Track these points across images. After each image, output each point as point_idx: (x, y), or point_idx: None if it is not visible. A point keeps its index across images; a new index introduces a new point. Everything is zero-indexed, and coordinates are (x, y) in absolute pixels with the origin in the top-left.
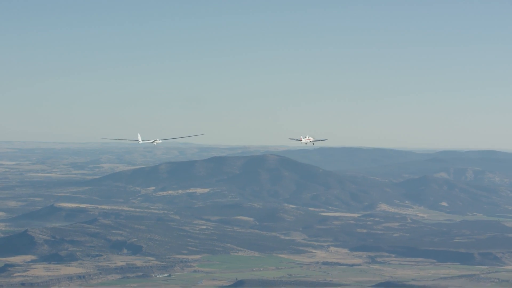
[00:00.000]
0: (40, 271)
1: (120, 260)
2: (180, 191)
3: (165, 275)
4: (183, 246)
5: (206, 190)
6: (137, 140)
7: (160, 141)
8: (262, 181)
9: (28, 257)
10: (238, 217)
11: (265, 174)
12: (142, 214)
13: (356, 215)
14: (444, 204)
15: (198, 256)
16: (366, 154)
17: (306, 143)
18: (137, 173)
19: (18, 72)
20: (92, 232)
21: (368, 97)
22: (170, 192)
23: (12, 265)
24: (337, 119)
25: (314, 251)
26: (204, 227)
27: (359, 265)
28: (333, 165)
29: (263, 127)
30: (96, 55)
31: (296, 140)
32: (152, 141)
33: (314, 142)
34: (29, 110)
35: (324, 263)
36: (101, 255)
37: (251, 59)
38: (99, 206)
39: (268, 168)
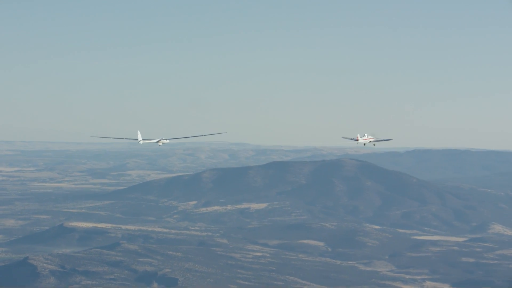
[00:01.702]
0: None
1: None
2: (229, 207)
3: None
4: (231, 279)
5: (263, 205)
6: (136, 140)
7: (167, 140)
8: (336, 193)
9: None
10: (305, 241)
11: (341, 185)
12: (178, 236)
13: (460, 239)
14: None
15: None
16: (476, 158)
17: (364, 144)
18: (174, 183)
19: (20, 57)
20: (113, 261)
21: (470, 79)
22: (216, 208)
23: None
24: (429, 109)
25: (404, 286)
26: (259, 254)
27: None
28: (430, 173)
29: (339, 123)
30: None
31: (351, 139)
32: (156, 140)
33: (375, 143)
34: (35, 103)
35: None
36: None
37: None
38: (123, 226)
39: (345, 177)
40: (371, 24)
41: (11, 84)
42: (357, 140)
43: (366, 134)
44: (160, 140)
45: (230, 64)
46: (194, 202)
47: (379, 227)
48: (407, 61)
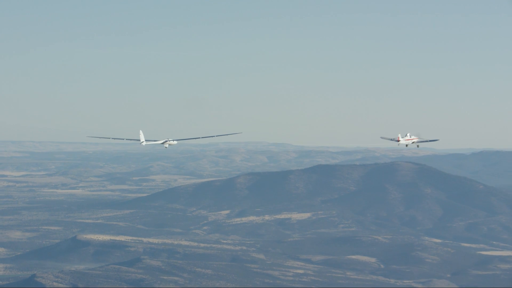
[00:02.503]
0: None
1: None
2: (267, 217)
3: None
4: None
5: (307, 215)
6: (138, 141)
7: (175, 142)
8: (391, 201)
9: None
10: (354, 257)
11: (395, 192)
12: (209, 251)
13: None
14: None
15: None
16: None
17: (406, 145)
18: (204, 189)
19: (30, 52)
20: (133, 279)
21: None
22: (252, 218)
23: None
24: (500, 106)
25: None
26: (301, 271)
27: None
28: (500, 178)
29: (395, 122)
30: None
31: (391, 140)
32: (161, 141)
33: (419, 144)
34: (46, 99)
35: None
36: None
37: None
38: (145, 239)
39: (401, 183)
40: (430, 15)
41: (19, 79)
42: (398, 140)
43: (408, 134)
44: (166, 141)
45: (270, 56)
46: (227, 212)
47: (439, 240)
48: (475, 55)
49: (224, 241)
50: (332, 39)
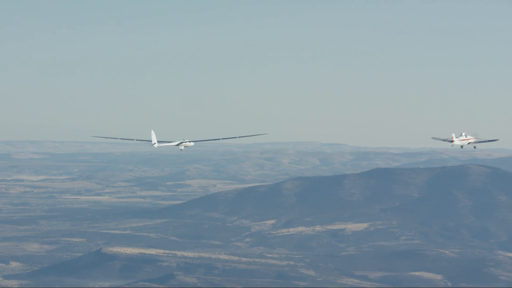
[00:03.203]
0: None
1: None
2: (317, 228)
3: None
4: None
5: (363, 225)
6: (150, 142)
7: (191, 143)
8: (460, 210)
9: None
10: (417, 273)
11: (465, 199)
12: (251, 266)
13: None
14: None
15: None
16: None
17: (462, 146)
18: (247, 195)
19: (51, 43)
20: None
21: None
22: (300, 228)
23: None
24: None
25: None
26: None
27: None
28: None
29: (467, 119)
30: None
31: (443, 141)
32: (176, 143)
33: (475, 145)
34: (68, 95)
35: None
36: None
37: None
38: (179, 253)
39: (472, 189)
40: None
41: (38, 74)
42: (452, 141)
43: (464, 134)
44: (181, 142)
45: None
46: (272, 222)
47: None
48: None
49: (269, 255)
50: (396, 34)
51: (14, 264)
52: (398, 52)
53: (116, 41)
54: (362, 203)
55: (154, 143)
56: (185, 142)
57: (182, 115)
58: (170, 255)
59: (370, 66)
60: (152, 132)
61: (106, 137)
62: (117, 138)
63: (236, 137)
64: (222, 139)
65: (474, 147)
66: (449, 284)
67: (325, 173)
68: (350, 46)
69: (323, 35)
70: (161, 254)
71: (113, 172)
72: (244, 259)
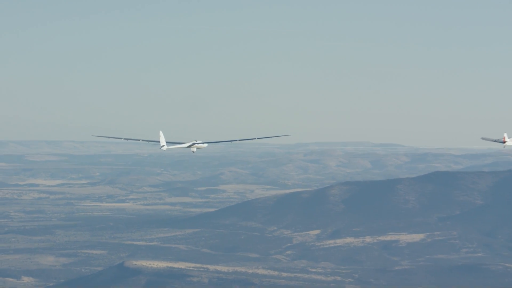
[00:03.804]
0: None
1: None
2: (368, 239)
3: None
4: None
5: (419, 236)
6: (158, 143)
7: (205, 144)
8: None
9: None
10: None
11: None
12: (293, 282)
13: None
14: None
15: None
16: None
17: None
18: (288, 202)
19: (66, 35)
20: None
21: None
22: (348, 240)
23: None
24: None
25: None
26: None
27: None
28: None
29: None
30: None
31: (494, 141)
32: (188, 144)
33: None
34: (89, 89)
35: None
36: None
37: None
38: (212, 267)
39: None
40: None
41: (53, 69)
42: (504, 142)
43: None
44: (193, 144)
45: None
46: (317, 232)
47: None
48: None
49: (313, 270)
50: (459, 28)
51: (26, 279)
52: (465, 46)
53: (135, 35)
54: (418, 211)
55: (163, 145)
56: (197, 143)
57: (195, 112)
58: (201, 269)
59: (431, 58)
60: (161, 132)
61: (108, 137)
62: (121, 138)
63: (255, 138)
64: (239, 140)
65: None
66: None
67: (377, 177)
68: (409, 37)
69: (374, 23)
70: (192, 268)
71: (139, 176)
72: (284, 274)
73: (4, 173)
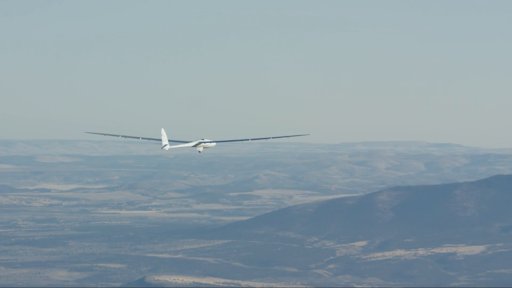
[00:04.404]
0: None
1: None
2: (420, 251)
3: None
4: None
5: (479, 248)
6: (159, 141)
7: (212, 143)
8: None
9: None
10: None
11: None
12: None
13: None
14: None
15: None
16: None
17: None
18: (331, 210)
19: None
20: None
21: None
22: (399, 252)
23: None
24: None
25: None
26: None
27: None
28: None
29: None
30: None
31: None
32: (194, 143)
33: None
34: (111, 85)
35: None
36: None
37: None
38: (244, 283)
39: None
40: None
41: (69, 62)
42: None
43: None
44: (200, 143)
45: None
46: (363, 243)
47: None
48: None
49: (359, 286)
50: None
51: None
52: None
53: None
54: (478, 220)
55: (165, 145)
56: (204, 142)
57: (201, 108)
58: (232, 285)
59: (496, 49)
60: (163, 131)
61: (104, 134)
62: (118, 136)
63: (269, 138)
64: (252, 139)
65: None
66: None
67: (431, 181)
68: (472, 27)
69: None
70: (221, 285)
71: (163, 180)
72: None
73: (11, 177)
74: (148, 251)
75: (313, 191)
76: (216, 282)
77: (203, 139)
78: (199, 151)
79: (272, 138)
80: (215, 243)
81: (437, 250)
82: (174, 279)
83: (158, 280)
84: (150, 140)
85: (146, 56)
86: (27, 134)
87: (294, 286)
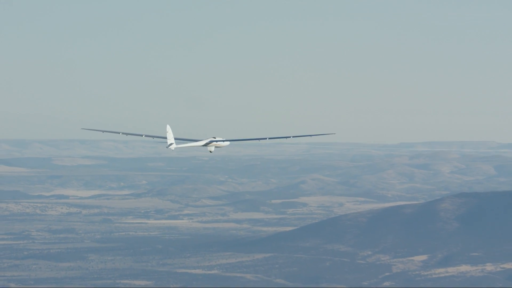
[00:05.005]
0: None
1: None
2: (489, 267)
3: None
4: None
5: None
6: (164, 139)
7: (226, 142)
8: None
9: None
10: None
11: None
12: None
13: None
14: None
15: None
16: None
17: None
18: (387, 219)
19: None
20: None
21: None
22: (464, 267)
23: None
24: None
25: None
26: None
27: None
28: None
29: None
30: None
31: None
32: (204, 142)
33: None
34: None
35: None
36: None
37: None
38: None
39: None
40: None
41: (89, 56)
42: None
43: None
44: (211, 141)
45: None
46: (424, 258)
47: None
48: None
49: None
50: None
51: None
52: None
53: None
54: None
55: (171, 144)
56: (216, 140)
57: (210, 103)
58: None
59: None
60: (168, 127)
61: (103, 131)
62: (119, 133)
63: (289, 137)
64: (269, 138)
65: None
66: None
67: (502, 186)
68: None
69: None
70: None
71: (196, 185)
72: None
73: (25, 181)
74: (178, 266)
75: (366, 198)
76: None
77: (214, 138)
78: (210, 151)
79: (293, 137)
80: (254, 257)
81: (508, 266)
82: None
83: None
84: (155, 138)
85: (156, 50)
86: (43, 133)
87: None
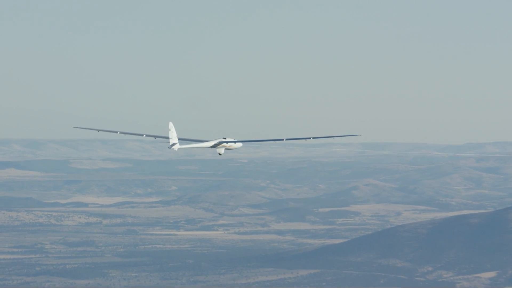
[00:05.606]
0: None
1: None
2: None
3: None
4: None
5: None
6: (167, 139)
7: (238, 144)
8: None
9: None
10: None
11: None
12: None
13: None
14: None
15: None
16: None
17: None
18: (451, 230)
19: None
20: None
21: None
22: None
23: None
24: None
25: None
26: None
27: None
28: None
29: None
30: None
31: None
32: (213, 143)
33: None
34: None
35: None
36: None
37: None
38: None
39: None
40: None
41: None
42: None
43: None
44: (220, 142)
45: None
46: (492, 274)
47: None
48: None
49: None
50: None
51: None
52: None
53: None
54: None
55: (174, 144)
56: (227, 141)
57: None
58: None
59: None
60: (171, 125)
61: (98, 130)
62: (117, 132)
63: (309, 138)
64: (286, 139)
65: None
66: None
67: None
68: None
69: None
70: None
71: (234, 192)
72: None
73: (38, 187)
74: (212, 283)
75: (427, 206)
76: None
77: (225, 138)
78: (220, 154)
79: (313, 138)
80: (299, 273)
81: None
82: None
83: None
84: (156, 138)
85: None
86: (60, 133)
87: None
